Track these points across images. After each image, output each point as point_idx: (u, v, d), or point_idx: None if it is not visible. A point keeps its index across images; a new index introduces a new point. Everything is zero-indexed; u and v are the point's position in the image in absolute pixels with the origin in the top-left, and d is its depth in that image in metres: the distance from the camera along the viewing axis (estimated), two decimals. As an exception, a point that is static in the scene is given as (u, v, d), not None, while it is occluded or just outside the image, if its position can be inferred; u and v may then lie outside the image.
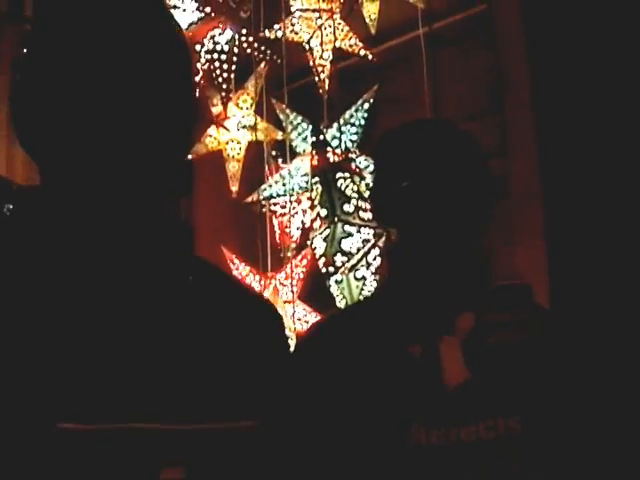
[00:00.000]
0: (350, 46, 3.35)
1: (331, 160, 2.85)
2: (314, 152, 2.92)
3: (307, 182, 3.00)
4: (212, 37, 3.05)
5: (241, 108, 3.39)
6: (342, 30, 3.33)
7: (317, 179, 2.86)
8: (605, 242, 2.62)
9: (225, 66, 3.04)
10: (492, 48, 3.11)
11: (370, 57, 3.36)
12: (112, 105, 0.82)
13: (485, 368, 1.29)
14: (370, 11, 3.10)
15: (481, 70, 3.20)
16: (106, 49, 0.83)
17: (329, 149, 2.90)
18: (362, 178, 2.85)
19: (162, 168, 0.88)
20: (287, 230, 3.41)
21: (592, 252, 2.62)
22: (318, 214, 2.82)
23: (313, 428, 1.16)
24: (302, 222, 3.37)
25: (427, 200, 1.36)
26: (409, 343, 1.30)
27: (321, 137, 2.94)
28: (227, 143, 3.43)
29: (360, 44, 3.36)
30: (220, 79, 3.02)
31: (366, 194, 2.73)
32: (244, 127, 3.40)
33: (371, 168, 2.81)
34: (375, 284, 2.76)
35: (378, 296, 1.53)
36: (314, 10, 3.27)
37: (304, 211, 3.36)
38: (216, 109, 3.40)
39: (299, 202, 3.41)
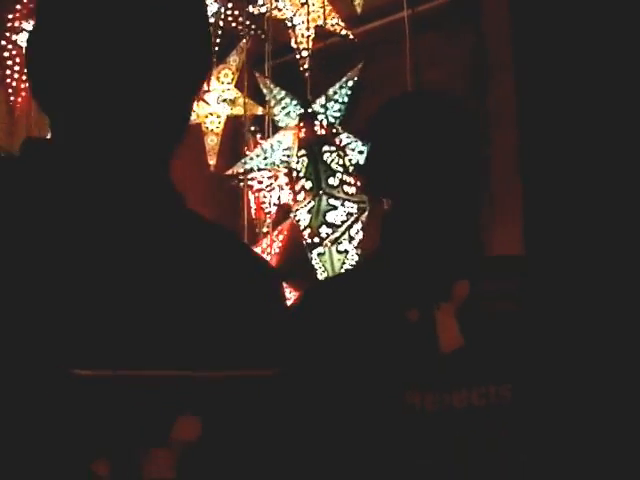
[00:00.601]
0: (332, 25, 3.38)
1: (318, 133, 2.88)
2: (302, 124, 2.93)
3: (288, 156, 3.01)
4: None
5: (222, 82, 3.40)
6: (325, 9, 3.35)
7: (303, 152, 2.87)
8: (584, 229, 2.69)
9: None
10: (477, 31, 3.14)
11: (351, 37, 3.39)
12: (128, 64, 0.83)
13: (479, 336, 1.32)
14: (358, -1, 3.14)
15: (464, 53, 3.24)
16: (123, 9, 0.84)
17: (316, 122, 2.92)
18: (345, 154, 2.88)
19: (165, 135, 0.89)
20: (263, 205, 3.43)
21: (570, 238, 2.68)
22: (303, 186, 2.85)
23: (314, 383, 1.19)
24: (279, 198, 3.39)
25: (422, 170, 1.39)
26: (406, 308, 1.33)
27: (309, 110, 2.96)
28: (206, 117, 3.43)
29: (342, 24, 3.39)
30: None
31: (350, 169, 2.77)
32: (224, 101, 3.40)
33: (354, 145, 2.84)
34: (357, 257, 2.80)
35: (372, 262, 1.55)
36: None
37: (281, 187, 3.38)
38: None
39: (276, 178, 3.43)
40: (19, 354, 0.74)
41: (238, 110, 3.42)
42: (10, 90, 3.15)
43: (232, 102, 3.38)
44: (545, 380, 1.35)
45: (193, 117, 3.46)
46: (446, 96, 1.58)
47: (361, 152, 2.78)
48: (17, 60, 3.11)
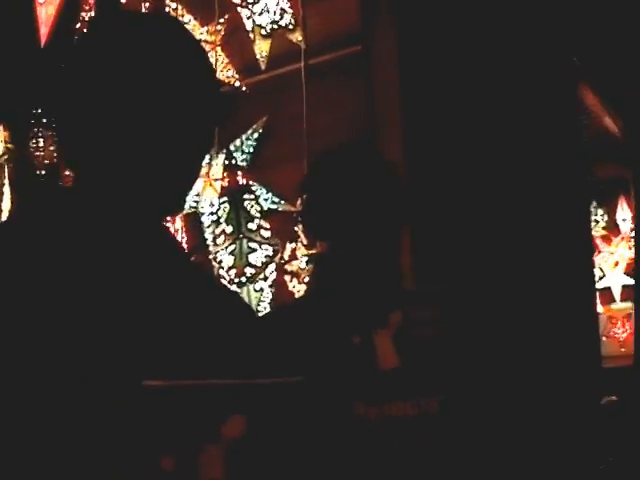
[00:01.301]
0: (227, 77, 3.63)
1: (240, 183, 3.13)
2: (225, 175, 3.17)
3: (197, 202, 3.24)
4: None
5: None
6: (222, 62, 3.59)
7: (225, 199, 3.11)
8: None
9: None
10: (366, 81, 3.45)
11: (244, 89, 3.65)
12: (144, 143, 1.06)
13: (411, 357, 1.60)
14: (262, 49, 3.40)
15: (354, 100, 3.54)
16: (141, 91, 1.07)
17: (239, 173, 3.17)
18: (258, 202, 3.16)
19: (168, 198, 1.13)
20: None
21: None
22: (223, 230, 3.08)
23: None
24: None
25: (353, 217, 1.66)
26: (350, 334, 1.59)
27: (233, 161, 3.20)
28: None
29: (236, 76, 3.64)
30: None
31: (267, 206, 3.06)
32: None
33: (264, 195, 3.13)
34: (271, 295, 3.06)
35: (313, 296, 1.80)
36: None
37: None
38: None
39: (173, 222, 3.62)
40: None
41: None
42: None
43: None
44: (465, 393, 1.64)
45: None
46: (368, 151, 1.87)
47: (266, 200, 3.11)
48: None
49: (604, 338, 8.92)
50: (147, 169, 1.07)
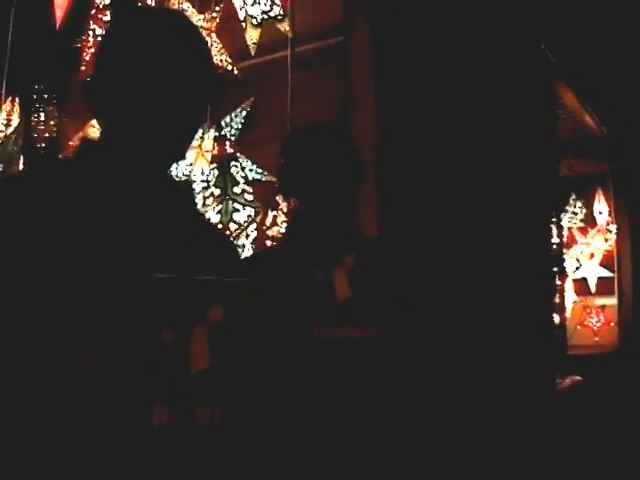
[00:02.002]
0: (221, 61, 4.02)
1: (228, 152, 3.57)
2: (216, 144, 3.61)
3: (190, 171, 3.67)
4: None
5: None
6: (216, 47, 3.98)
7: (215, 165, 3.54)
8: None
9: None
10: (343, 71, 3.84)
11: (235, 72, 4.04)
12: (166, 103, 1.46)
13: (360, 289, 2.01)
14: (252, 37, 3.80)
15: (332, 89, 3.93)
16: (167, 67, 1.46)
17: (227, 143, 3.60)
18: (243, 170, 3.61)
19: (179, 149, 1.54)
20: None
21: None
22: (212, 193, 3.53)
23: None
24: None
25: (319, 180, 2.08)
26: (314, 270, 2.00)
27: (222, 132, 3.63)
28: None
29: (229, 60, 4.03)
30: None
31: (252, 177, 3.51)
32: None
33: (249, 165, 3.56)
34: (251, 251, 3.50)
35: (287, 240, 2.23)
36: (195, 27, 3.91)
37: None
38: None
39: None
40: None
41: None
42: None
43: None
44: (404, 321, 2.05)
45: (96, 134, 4.01)
46: (337, 130, 2.29)
47: (251, 170, 3.57)
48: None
49: (579, 327, 9.36)
50: (157, 127, 1.46)
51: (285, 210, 3.49)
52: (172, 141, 1.49)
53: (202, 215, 1.74)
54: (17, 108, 4.00)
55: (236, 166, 3.57)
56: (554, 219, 7.10)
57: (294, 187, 2.14)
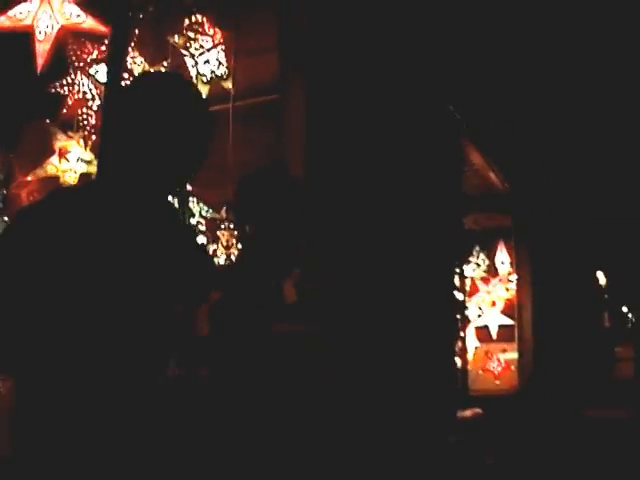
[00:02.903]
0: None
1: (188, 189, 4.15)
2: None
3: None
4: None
5: (81, 146, 4.52)
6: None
7: (176, 199, 4.10)
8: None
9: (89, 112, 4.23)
10: (280, 128, 4.46)
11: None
12: (162, 153, 2.03)
13: (303, 296, 2.62)
14: (202, 91, 4.38)
15: (269, 141, 4.55)
16: (164, 126, 2.04)
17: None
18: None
19: (175, 185, 2.12)
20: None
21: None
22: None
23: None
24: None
25: (272, 213, 2.69)
26: (270, 280, 2.60)
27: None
28: (65, 171, 4.52)
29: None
30: (84, 123, 4.19)
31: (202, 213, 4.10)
32: (81, 160, 4.52)
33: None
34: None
35: (242, 259, 2.83)
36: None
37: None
38: (60, 143, 4.49)
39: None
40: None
41: (92, 168, 4.54)
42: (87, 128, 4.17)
43: (88, 162, 4.50)
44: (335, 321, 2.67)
45: (54, 171, 4.55)
46: (280, 170, 2.92)
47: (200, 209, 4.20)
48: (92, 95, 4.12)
49: (480, 372, 10.05)
50: (163, 164, 2.04)
51: (224, 244, 4.10)
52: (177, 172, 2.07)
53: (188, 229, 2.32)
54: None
55: (192, 201, 4.15)
56: (457, 269, 7.84)
57: (249, 216, 2.75)
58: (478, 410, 6.97)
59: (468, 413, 6.77)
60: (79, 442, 1.67)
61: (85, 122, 4.27)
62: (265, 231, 2.70)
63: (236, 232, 3.87)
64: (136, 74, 4.08)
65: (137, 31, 4.23)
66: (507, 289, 10.18)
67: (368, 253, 4.16)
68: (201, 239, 4.06)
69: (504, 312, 10.10)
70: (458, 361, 8.21)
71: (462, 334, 8.58)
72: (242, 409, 2.29)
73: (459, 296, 8.03)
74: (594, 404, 11.35)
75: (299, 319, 2.56)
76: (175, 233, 2.06)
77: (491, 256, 10.30)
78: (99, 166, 3.25)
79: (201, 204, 4.23)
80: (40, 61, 3.87)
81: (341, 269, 3.60)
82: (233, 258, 3.80)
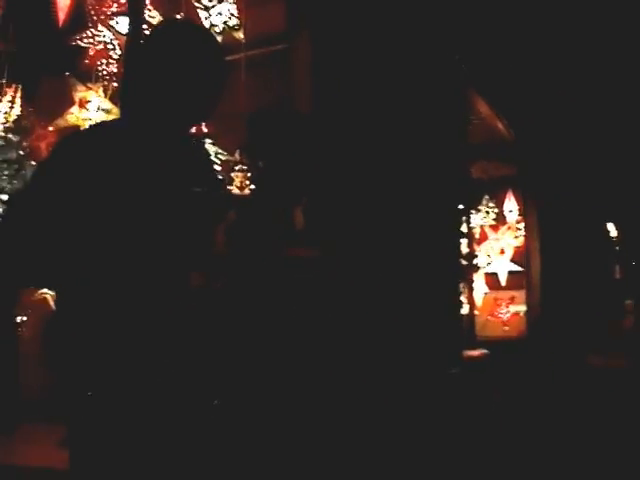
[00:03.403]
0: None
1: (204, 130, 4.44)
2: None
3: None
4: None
5: (100, 95, 4.80)
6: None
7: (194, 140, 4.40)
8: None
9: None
10: (288, 75, 4.71)
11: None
12: (181, 93, 2.29)
13: (311, 220, 2.90)
14: (216, 41, 4.65)
15: (278, 88, 4.81)
16: (187, 69, 2.30)
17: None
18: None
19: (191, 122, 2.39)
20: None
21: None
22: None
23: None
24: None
25: (279, 146, 2.96)
26: (280, 207, 2.88)
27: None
28: (85, 120, 4.80)
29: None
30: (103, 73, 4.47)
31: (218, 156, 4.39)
32: (101, 110, 4.80)
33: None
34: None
35: (259, 189, 3.12)
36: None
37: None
38: (79, 94, 4.78)
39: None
40: None
41: (111, 117, 4.82)
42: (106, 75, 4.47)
43: (107, 111, 4.79)
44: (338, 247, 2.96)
45: (75, 120, 4.84)
46: (293, 112, 3.19)
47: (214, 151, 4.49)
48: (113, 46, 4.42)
49: (489, 317, 10.35)
50: (183, 102, 2.30)
51: (238, 185, 4.39)
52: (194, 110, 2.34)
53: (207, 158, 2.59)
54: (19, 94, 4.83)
55: (209, 142, 4.44)
56: (464, 216, 8.10)
57: (261, 150, 3.02)
58: (485, 351, 7.28)
59: (475, 353, 7.09)
60: (122, 340, 1.95)
61: (105, 72, 4.55)
62: (275, 164, 2.97)
63: (249, 174, 4.15)
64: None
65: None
66: (516, 237, 10.44)
67: (373, 190, 4.44)
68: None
69: (513, 259, 10.38)
70: (466, 306, 8.47)
71: (470, 280, 8.79)
72: (253, 320, 2.59)
73: (465, 242, 8.24)
74: (598, 352, 11.70)
75: (309, 244, 2.83)
76: (194, 162, 2.33)
77: (499, 204, 10.55)
78: (122, 107, 3.53)
79: (217, 147, 4.51)
80: (62, 15, 4.14)
81: (347, 203, 3.88)
82: (253, 186, 4.12)
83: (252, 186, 4.14)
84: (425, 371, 5.09)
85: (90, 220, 1.95)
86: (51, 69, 4.85)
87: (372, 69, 4.85)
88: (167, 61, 2.16)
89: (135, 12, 3.67)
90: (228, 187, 4.31)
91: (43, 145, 5.11)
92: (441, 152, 6.18)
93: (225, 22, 4.57)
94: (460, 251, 7.90)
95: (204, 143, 4.27)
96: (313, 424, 2.74)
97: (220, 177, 2.43)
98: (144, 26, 3.98)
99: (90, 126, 2.32)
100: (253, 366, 2.65)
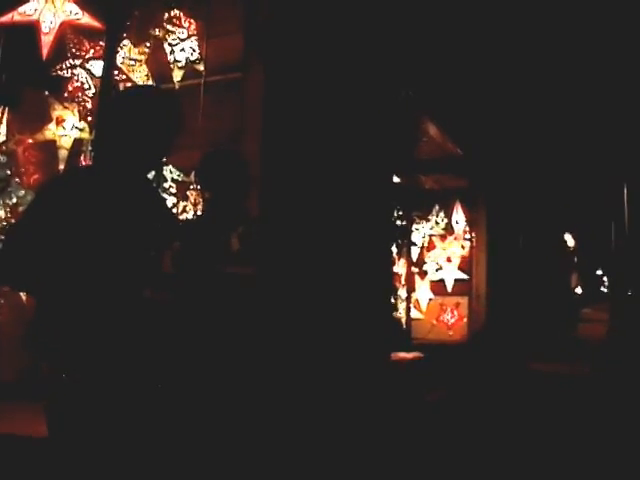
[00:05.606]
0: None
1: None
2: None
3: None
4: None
5: (74, 115, 5.50)
6: (144, 73, 5.52)
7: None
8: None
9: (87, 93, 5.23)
10: (241, 102, 5.39)
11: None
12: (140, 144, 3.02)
13: (245, 246, 3.64)
14: (177, 76, 5.36)
15: (232, 113, 5.49)
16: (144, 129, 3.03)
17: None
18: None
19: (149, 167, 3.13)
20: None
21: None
22: (150, 186, 5.14)
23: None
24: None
25: (224, 181, 3.71)
26: (219, 233, 3.62)
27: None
28: (61, 137, 5.50)
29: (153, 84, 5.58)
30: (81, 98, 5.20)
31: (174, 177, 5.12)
32: (75, 128, 5.51)
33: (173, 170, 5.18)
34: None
35: (203, 215, 3.85)
36: (130, 59, 5.45)
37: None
38: (57, 112, 5.47)
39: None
40: None
41: (84, 135, 5.53)
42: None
43: (81, 130, 5.50)
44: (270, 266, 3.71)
45: (52, 136, 5.53)
46: (237, 153, 3.94)
47: (172, 172, 5.21)
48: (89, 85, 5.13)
49: (434, 322, 11.11)
50: (143, 151, 3.01)
51: (192, 201, 5.12)
52: (153, 159, 3.06)
53: (161, 198, 3.34)
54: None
55: (166, 170, 5.17)
56: (406, 226, 8.95)
57: (209, 185, 3.76)
58: (419, 354, 8.00)
59: (409, 355, 7.82)
60: (94, 332, 2.66)
61: (82, 104, 5.29)
62: (218, 197, 3.70)
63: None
64: (122, 68, 5.13)
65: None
66: (462, 247, 11.19)
67: (310, 214, 5.18)
68: (172, 199, 5.08)
69: (460, 268, 11.11)
70: (402, 311, 9.31)
71: (410, 287, 9.62)
72: (195, 326, 3.33)
73: (394, 249, 9.00)
74: (543, 359, 12.52)
75: (242, 263, 3.56)
76: (151, 199, 3.05)
77: (449, 215, 11.28)
78: (95, 154, 4.24)
79: (174, 170, 5.25)
80: (45, 50, 4.86)
81: (282, 227, 4.64)
82: (199, 212, 4.84)
83: (198, 212, 4.89)
84: (351, 371, 5.76)
85: (71, 242, 2.61)
86: (33, 85, 5.54)
87: (323, 101, 5.55)
88: (133, 121, 2.88)
89: (109, 59, 4.36)
90: (182, 203, 5.05)
91: (20, 150, 5.78)
92: (381, 168, 6.90)
93: (187, 57, 5.27)
94: (392, 259, 8.67)
95: (158, 189, 4.97)
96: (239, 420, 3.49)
97: (169, 210, 3.12)
98: (115, 72, 4.71)
99: (70, 171, 3.04)
100: (195, 358, 3.39)
